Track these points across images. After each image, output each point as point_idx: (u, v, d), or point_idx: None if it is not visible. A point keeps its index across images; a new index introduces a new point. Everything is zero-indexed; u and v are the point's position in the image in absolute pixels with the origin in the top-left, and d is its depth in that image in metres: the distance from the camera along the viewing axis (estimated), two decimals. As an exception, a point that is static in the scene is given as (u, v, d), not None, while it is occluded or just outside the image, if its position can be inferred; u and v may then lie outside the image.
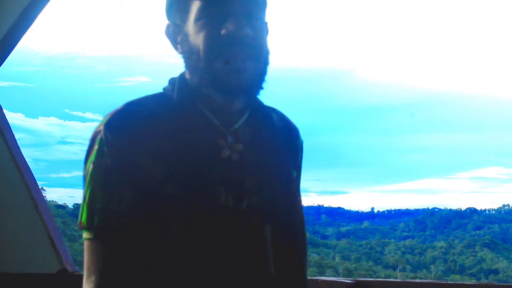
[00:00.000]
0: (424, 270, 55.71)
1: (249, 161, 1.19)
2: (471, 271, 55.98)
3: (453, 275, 52.48)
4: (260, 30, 1.19)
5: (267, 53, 1.20)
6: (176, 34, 1.21)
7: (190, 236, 1.10)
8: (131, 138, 1.13)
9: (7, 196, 3.36)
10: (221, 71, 1.14)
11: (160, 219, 1.11)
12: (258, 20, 1.19)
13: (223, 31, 1.14)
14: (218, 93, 1.17)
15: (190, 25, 1.17)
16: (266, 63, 1.19)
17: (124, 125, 1.14)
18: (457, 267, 57.66)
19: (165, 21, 1.25)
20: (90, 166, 1.14)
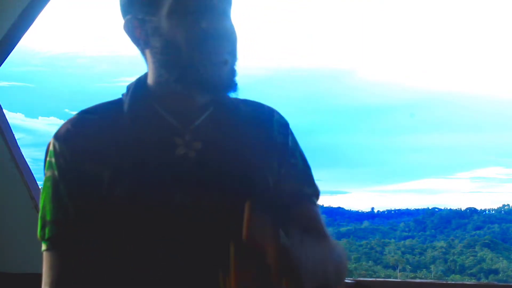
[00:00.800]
0: (424, 270, 55.72)
1: (209, 158, 1.16)
2: (471, 271, 55.98)
3: (453, 275, 52.50)
4: (235, 27, 1.18)
5: (237, 51, 1.19)
6: (138, 29, 1.16)
7: (144, 239, 1.09)
8: (79, 146, 1.12)
9: (7, 196, 3.36)
10: (204, 65, 1.12)
11: (112, 224, 1.10)
12: (229, 17, 1.18)
13: (203, 25, 1.11)
14: (193, 88, 1.15)
15: (163, 19, 1.12)
16: (235, 61, 1.19)
17: (72, 134, 1.14)
18: (457, 267, 57.66)
19: (122, 16, 1.19)
20: (44, 178, 1.15)
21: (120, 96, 1.22)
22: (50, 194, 1.13)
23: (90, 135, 1.13)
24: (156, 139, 1.15)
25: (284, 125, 1.31)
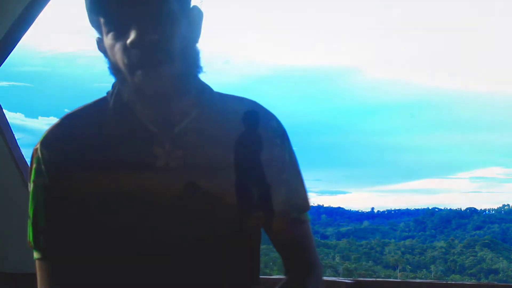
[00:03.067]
0: (424, 270, 55.72)
1: (190, 168, 1.12)
2: (471, 271, 55.99)
3: (453, 275, 52.51)
4: (173, 26, 1.08)
5: (186, 48, 1.10)
6: (101, 49, 1.15)
7: (128, 253, 1.09)
8: (66, 153, 1.11)
9: (7, 196, 3.36)
10: (137, 81, 1.08)
11: (98, 236, 1.09)
12: (169, 15, 1.08)
13: (127, 42, 1.05)
14: (142, 99, 1.12)
15: (105, 39, 1.11)
16: (185, 59, 1.10)
17: (59, 140, 1.12)
18: (457, 267, 57.67)
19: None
20: (31, 185, 1.13)
21: (104, 94, 1.19)
22: (43, 201, 1.11)
23: (76, 142, 1.11)
24: (138, 150, 1.12)
25: (281, 135, 1.24)
